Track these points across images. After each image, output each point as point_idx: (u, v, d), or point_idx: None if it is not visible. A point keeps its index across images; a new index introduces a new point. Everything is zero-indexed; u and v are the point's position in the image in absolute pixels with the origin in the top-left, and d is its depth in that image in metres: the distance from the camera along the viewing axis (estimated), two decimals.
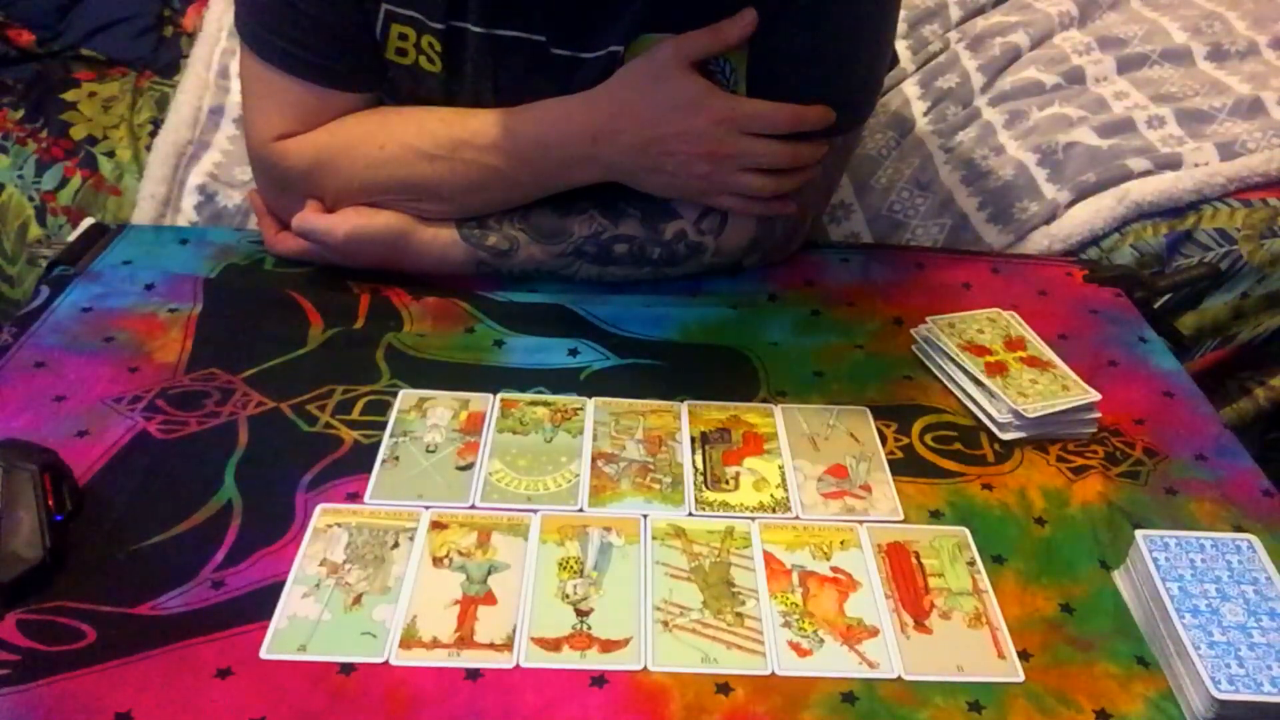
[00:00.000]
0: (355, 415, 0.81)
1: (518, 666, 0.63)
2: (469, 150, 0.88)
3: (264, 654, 0.63)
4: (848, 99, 0.92)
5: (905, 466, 0.80)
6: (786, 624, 0.67)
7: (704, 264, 0.96)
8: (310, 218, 0.91)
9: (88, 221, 1.03)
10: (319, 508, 0.73)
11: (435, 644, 0.64)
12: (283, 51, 0.88)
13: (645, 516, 0.74)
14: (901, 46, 1.48)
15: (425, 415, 0.82)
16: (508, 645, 0.64)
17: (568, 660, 0.64)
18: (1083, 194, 1.17)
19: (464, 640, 0.65)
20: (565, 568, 0.70)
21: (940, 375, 0.89)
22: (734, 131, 0.86)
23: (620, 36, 0.86)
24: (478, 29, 0.87)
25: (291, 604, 0.66)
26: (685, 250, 0.94)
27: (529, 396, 0.84)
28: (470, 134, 0.89)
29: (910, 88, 1.40)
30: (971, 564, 0.72)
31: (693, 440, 0.81)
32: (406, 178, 0.90)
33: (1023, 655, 0.66)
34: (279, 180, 0.94)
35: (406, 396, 0.83)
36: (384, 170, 0.89)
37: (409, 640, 0.64)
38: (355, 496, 0.74)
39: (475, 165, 0.89)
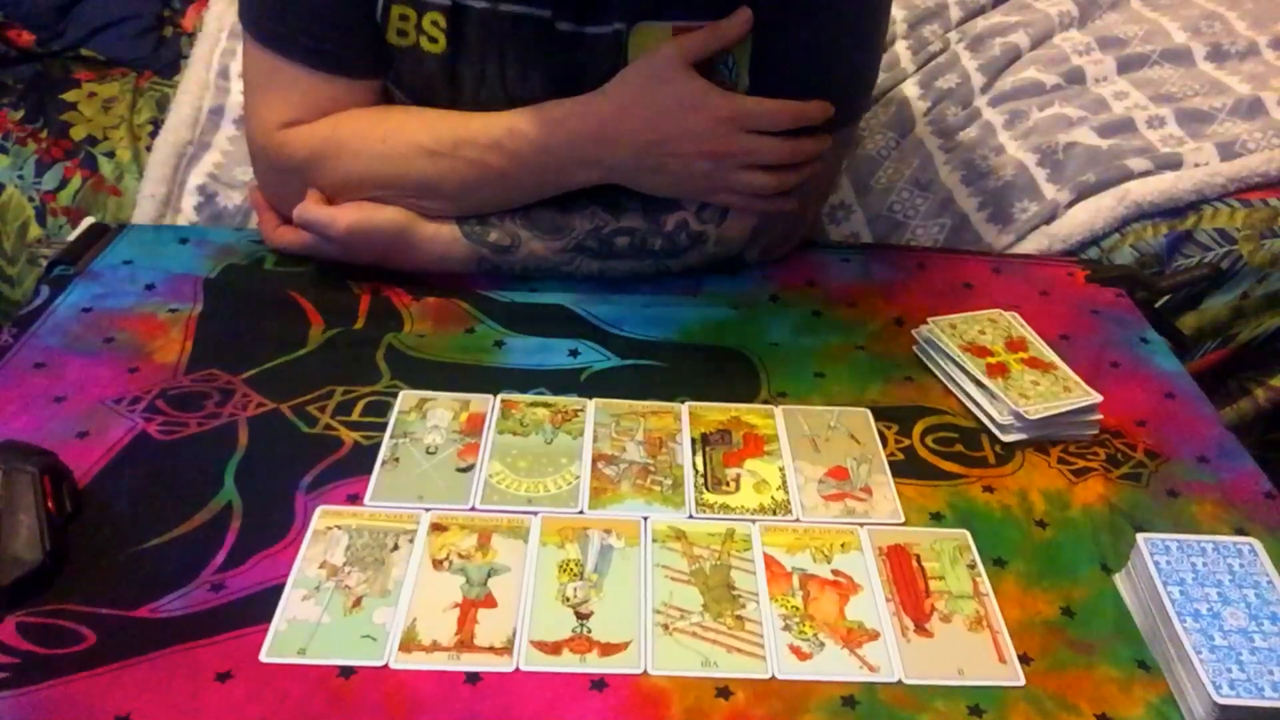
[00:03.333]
0: (355, 416, 0.81)
1: (517, 670, 0.63)
2: (470, 149, 0.88)
3: (263, 657, 0.63)
4: (847, 91, 0.93)
5: (906, 468, 0.80)
6: (787, 627, 0.67)
7: (706, 255, 0.96)
8: (312, 209, 0.91)
9: (88, 221, 1.02)
10: (319, 509, 0.73)
11: (435, 647, 0.64)
12: (283, 37, 0.88)
13: (645, 519, 0.74)
14: (901, 47, 1.48)
15: (425, 416, 0.81)
16: (507, 649, 0.64)
17: (567, 664, 0.64)
18: (1083, 194, 1.18)
19: (464, 643, 0.64)
20: (565, 570, 0.70)
21: (941, 376, 0.89)
22: (735, 130, 0.87)
23: (624, 13, 0.86)
24: (480, 4, 0.86)
25: (291, 607, 0.66)
26: (687, 240, 0.94)
27: (529, 398, 0.84)
28: (472, 133, 0.88)
29: (910, 88, 1.40)
30: (972, 567, 0.72)
31: (693, 442, 0.81)
32: (407, 173, 0.89)
33: (1023, 659, 0.66)
34: (279, 170, 0.93)
35: (407, 397, 0.83)
36: (385, 165, 0.89)
37: (409, 643, 0.64)
38: (355, 498, 0.74)
39: (475, 164, 0.89)
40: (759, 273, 1.00)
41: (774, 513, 0.75)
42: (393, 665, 0.63)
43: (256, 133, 0.93)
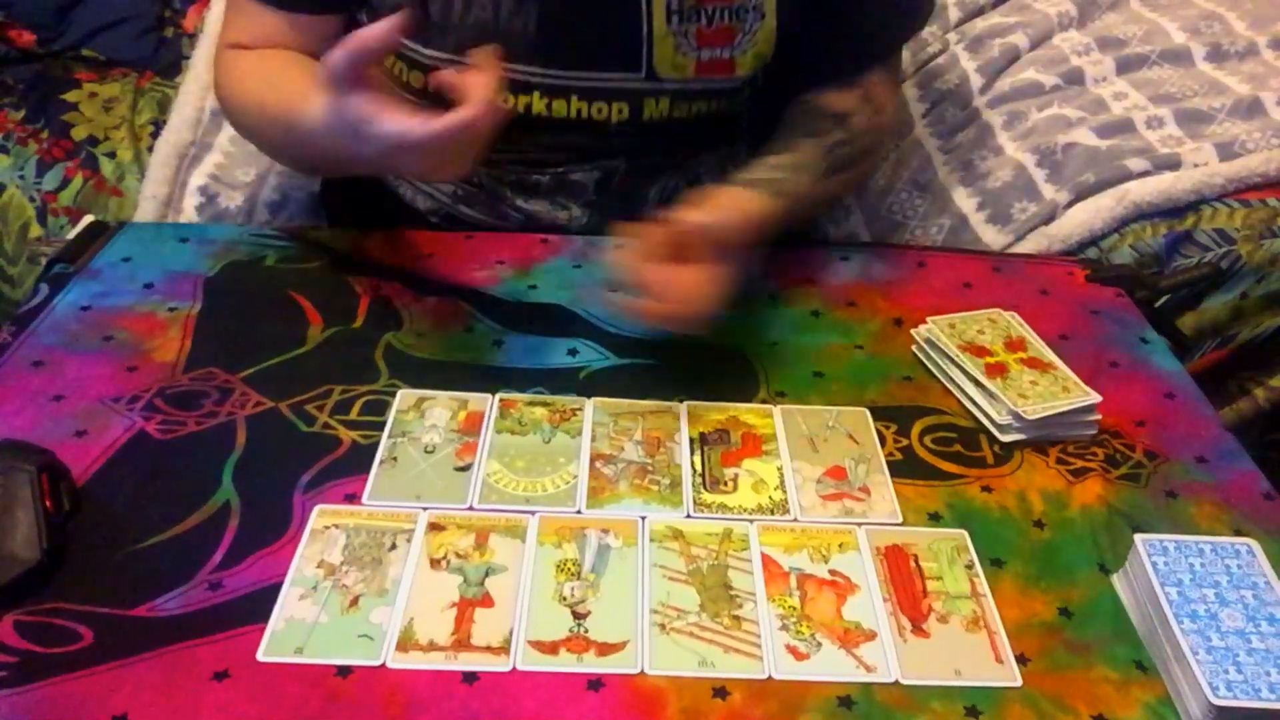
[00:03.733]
0: (354, 415, 0.81)
1: (514, 670, 0.63)
2: (273, 116, 0.89)
3: (261, 656, 0.63)
4: (911, 6, 0.99)
5: (904, 468, 0.80)
6: (784, 627, 0.67)
7: (883, 140, 1.08)
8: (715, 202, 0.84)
9: (88, 219, 1.02)
10: (316, 509, 0.73)
11: (432, 647, 0.64)
12: None
13: (643, 518, 0.74)
14: None
15: (424, 415, 0.81)
16: (504, 648, 0.64)
17: (564, 663, 0.64)
18: (1081, 194, 1.17)
19: (461, 643, 0.64)
20: (563, 570, 0.70)
21: (940, 376, 0.88)
22: (411, 152, 0.74)
23: None
24: None
25: (289, 606, 0.66)
26: (870, 140, 1.00)
27: (527, 397, 0.84)
28: (275, 102, 0.88)
29: (909, 89, 1.40)
30: (970, 567, 0.72)
31: (691, 441, 0.81)
32: (242, 121, 0.96)
33: (1020, 659, 0.66)
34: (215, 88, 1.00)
35: (405, 396, 0.83)
36: (236, 107, 0.95)
37: (406, 643, 0.64)
38: (353, 498, 0.74)
39: (277, 131, 0.90)
40: (758, 272, 1.00)
41: (772, 512, 0.75)
42: (390, 665, 0.63)
43: (217, 47, 0.99)
